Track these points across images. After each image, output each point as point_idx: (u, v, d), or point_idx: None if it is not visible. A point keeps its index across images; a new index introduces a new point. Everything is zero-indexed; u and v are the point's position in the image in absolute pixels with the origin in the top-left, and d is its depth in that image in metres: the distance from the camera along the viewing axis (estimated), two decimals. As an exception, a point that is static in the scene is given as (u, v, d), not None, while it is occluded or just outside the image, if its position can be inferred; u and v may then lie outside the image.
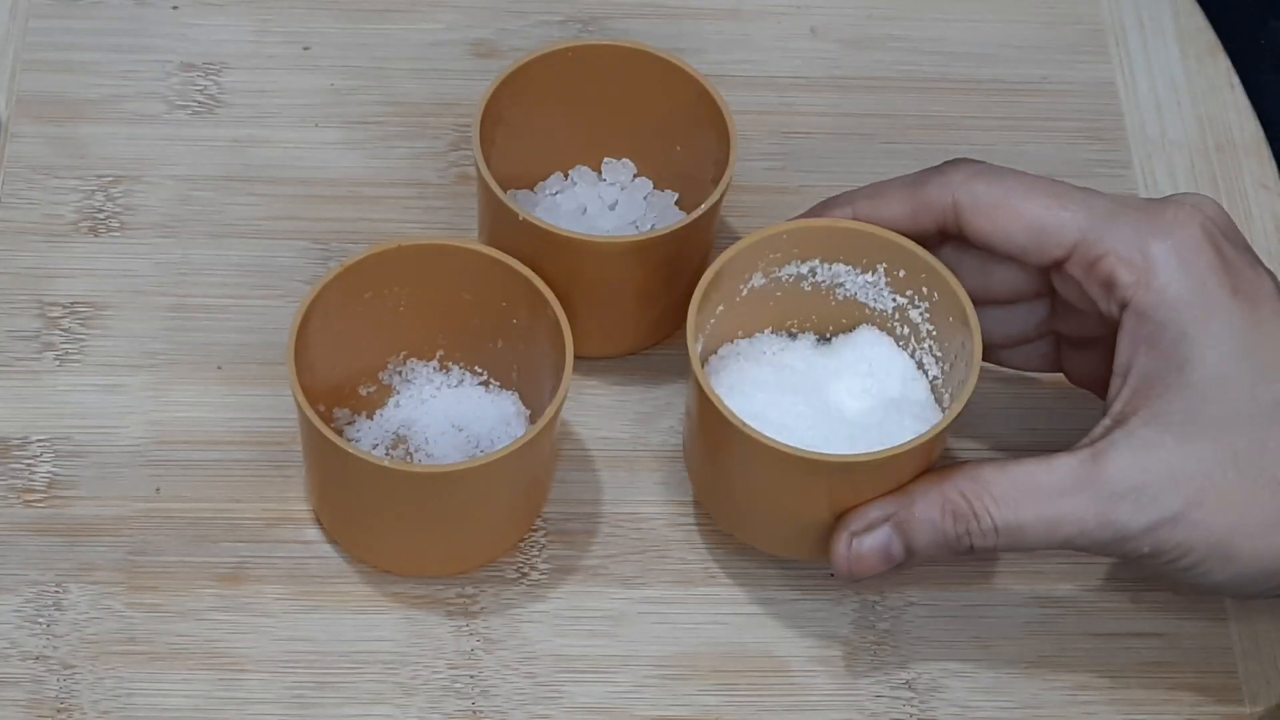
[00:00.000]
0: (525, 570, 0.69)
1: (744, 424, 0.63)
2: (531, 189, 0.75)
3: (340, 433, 0.68)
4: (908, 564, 0.63)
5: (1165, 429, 0.60)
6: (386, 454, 0.69)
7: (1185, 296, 0.60)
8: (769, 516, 0.67)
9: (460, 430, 0.69)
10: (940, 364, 0.68)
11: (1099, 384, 0.66)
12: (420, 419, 0.70)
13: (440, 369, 0.71)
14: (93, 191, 0.78)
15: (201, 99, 0.81)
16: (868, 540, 0.63)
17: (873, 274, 0.68)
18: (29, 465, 0.71)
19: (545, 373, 0.67)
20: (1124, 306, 0.62)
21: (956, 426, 0.65)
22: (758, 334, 0.70)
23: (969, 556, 0.63)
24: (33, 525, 0.69)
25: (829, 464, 0.63)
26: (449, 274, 0.68)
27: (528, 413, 0.70)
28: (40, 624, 0.67)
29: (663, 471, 0.72)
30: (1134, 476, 0.60)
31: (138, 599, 0.68)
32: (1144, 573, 0.66)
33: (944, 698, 0.67)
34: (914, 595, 0.69)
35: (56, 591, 0.68)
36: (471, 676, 0.67)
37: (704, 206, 0.69)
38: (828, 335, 0.70)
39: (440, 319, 0.69)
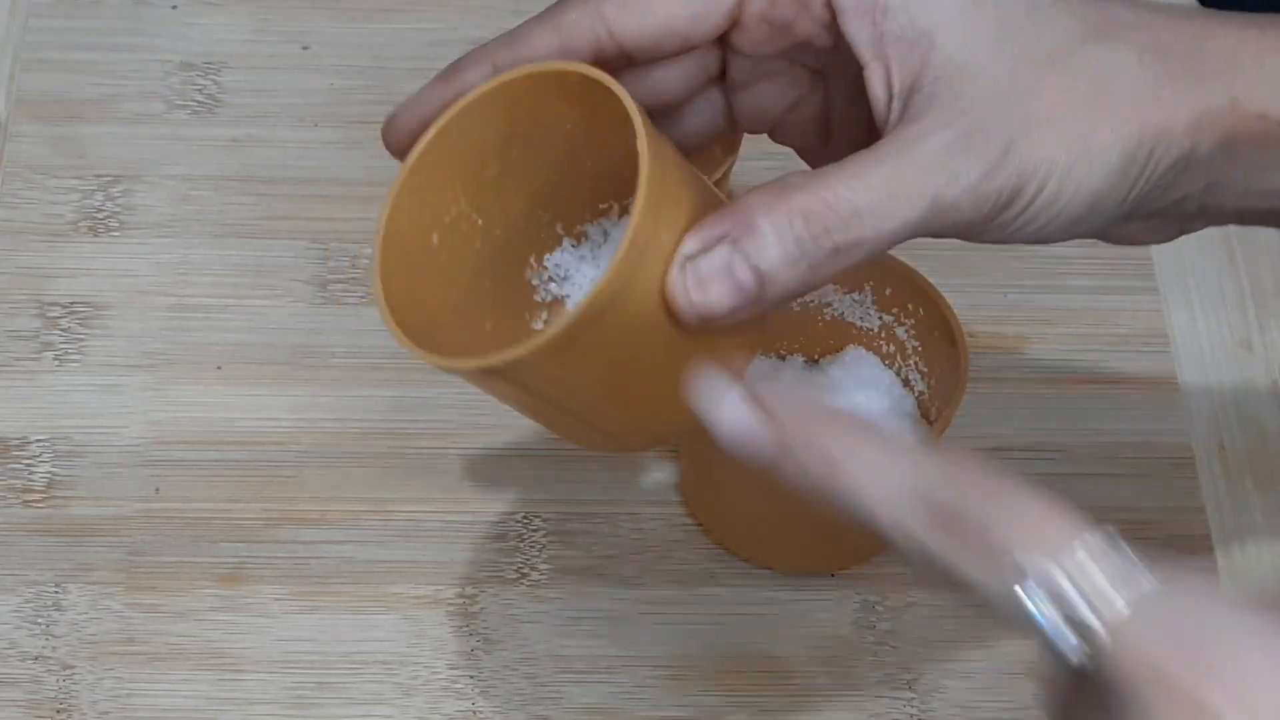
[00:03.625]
0: (525, 571, 0.69)
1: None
2: None
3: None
4: (764, 298, 0.50)
5: (957, 75, 0.52)
6: None
7: None
8: (770, 529, 0.68)
9: None
10: (926, 379, 0.68)
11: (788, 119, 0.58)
12: None
13: (575, 242, 0.57)
14: (92, 191, 0.78)
15: (201, 98, 0.81)
16: (704, 262, 0.50)
17: (860, 292, 0.68)
18: (28, 465, 0.71)
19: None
20: None
21: (955, 431, 0.64)
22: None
23: (829, 265, 0.51)
24: (32, 525, 0.69)
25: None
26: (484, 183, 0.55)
27: None
28: (39, 624, 0.67)
29: (663, 472, 0.72)
30: (961, 123, 0.51)
31: (137, 599, 0.68)
32: (1012, 236, 0.55)
33: (945, 698, 0.67)
34: (915, 595, 0.69)
35: (56, 592, 0.68)
36: (471, 677, 0.67)
37: (718, 174, 0.70)
38: (815, 358, 0.70)
39: (526, 205, 0.56)
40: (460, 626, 0.68)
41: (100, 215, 0.77)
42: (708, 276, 0.49)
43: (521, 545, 0.70)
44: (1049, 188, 0.52)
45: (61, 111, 0.80)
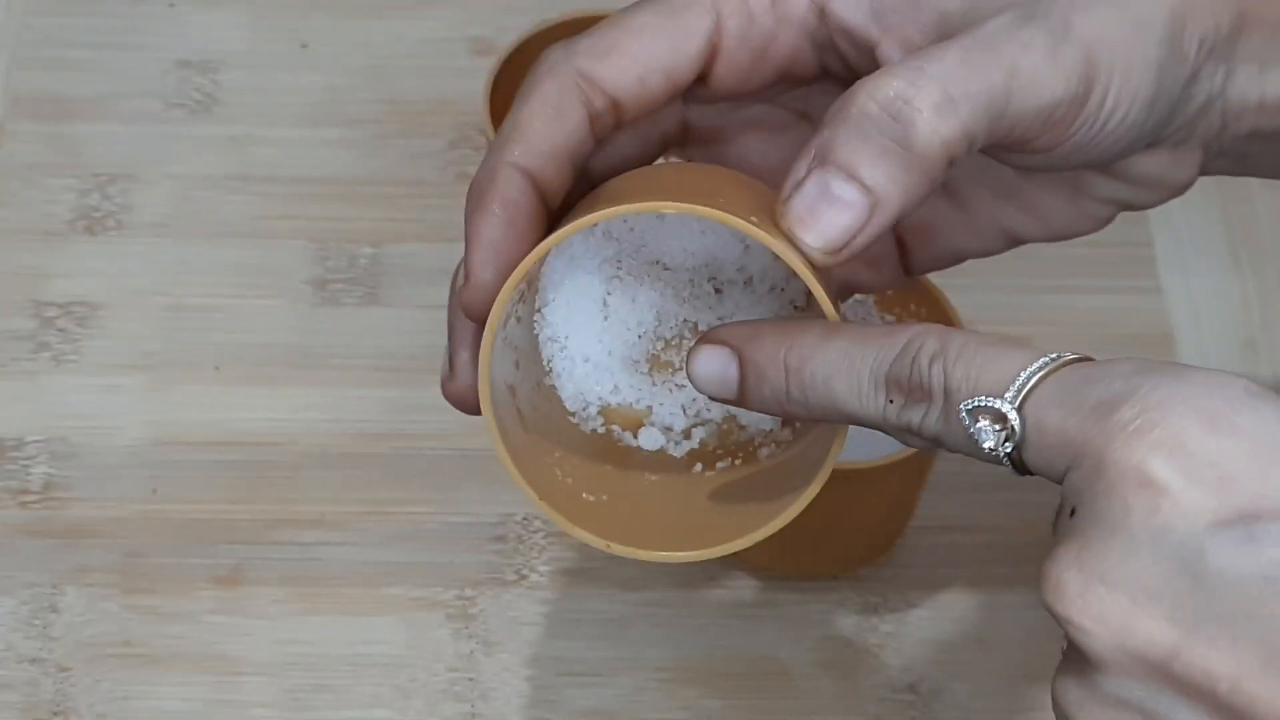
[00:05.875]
0: (525, 573, 0.69)
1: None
2: None
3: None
4: (881, 209, 0.47)
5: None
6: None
7: None
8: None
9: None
10: None
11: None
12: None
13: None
14: (89, 191, 0.78)
15: (198, 97, 0.81)
16: (799, 197, 0.47)
17: (860, 293, 0.68)
18: (24, 466, 0.71)
19: None
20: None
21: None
22: None
23: (930, 149, 0.47)
24: (29, 527, 0.69)
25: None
26: None
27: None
28: (36, 626, 0.67)
29: (663, 473, 0.71)
30: (1014, 9, 0.49)
31: (134, 601, 0.68)
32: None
33: (947, 701, 0.67)
34: (917, 598, 0.69)
35: (53, 593, 0.68)
36: (470, 679, 0.67)
37: None
38: None
39: None
40: (459, 629, 0.68)
41: (97, 215, 0.77)
42: (808, 208, 0.46)
43: (520, 547, 0.70)
44: (1118, 66, 0.49)
45: (58, 110, 0.80)
